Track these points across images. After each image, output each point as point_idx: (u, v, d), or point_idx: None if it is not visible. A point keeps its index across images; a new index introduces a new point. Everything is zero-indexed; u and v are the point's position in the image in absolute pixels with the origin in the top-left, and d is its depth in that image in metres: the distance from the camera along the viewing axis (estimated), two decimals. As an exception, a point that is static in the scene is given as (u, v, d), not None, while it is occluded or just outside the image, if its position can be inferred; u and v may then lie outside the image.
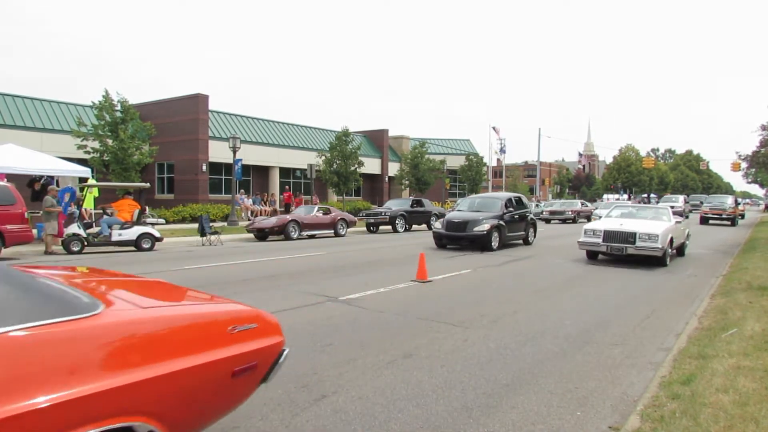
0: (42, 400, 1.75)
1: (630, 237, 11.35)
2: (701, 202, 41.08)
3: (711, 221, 29.03)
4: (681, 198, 38.28)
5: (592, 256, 12.39)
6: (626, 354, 5.08)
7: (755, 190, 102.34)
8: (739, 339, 5.17)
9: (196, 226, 18.40)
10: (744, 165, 33.40)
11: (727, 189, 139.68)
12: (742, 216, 36.23)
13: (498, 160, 55.15)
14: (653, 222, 12.25)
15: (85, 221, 14.24)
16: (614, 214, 13.70)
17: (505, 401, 3.82)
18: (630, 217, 13.29)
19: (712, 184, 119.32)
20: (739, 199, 47.80)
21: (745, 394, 3.73)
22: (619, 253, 11.49)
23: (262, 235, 18.01)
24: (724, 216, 28.72)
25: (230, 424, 3.31)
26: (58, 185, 15.30)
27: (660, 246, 11.01)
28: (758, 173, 37.60)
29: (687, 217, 27.54)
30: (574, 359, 4.87)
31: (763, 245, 15.69)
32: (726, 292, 8.11)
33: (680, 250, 13.52)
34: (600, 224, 12.45)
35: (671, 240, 11.74)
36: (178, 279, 9.26)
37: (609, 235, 11.59)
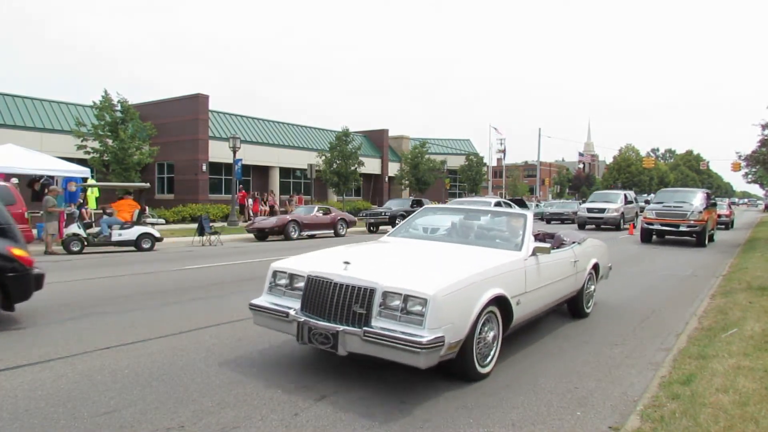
0: None
1: None
2: (647, 201, 29.01)
3: (665, 235, 17.41)
4: (622, 196, 24.81)
5: None
6: (626, 354, 5.08)
7: (755, 190, 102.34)
8: (739, 339, 5.17)
9: (196, 226, 18.41)
10: (744, 165, 31.98)
11: (727, 189, 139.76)
12: (728, 225, 26.91)
13: (498, 160, 55.21)
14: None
15: (85, 221, 14.24)
16: None
17: (505, 401, 3.82)
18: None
19: (712, 184, 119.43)
20: (724, 199, 35.03)
21: (745, 394, 3.73)
22: None
23: (261, 235, 18.01)
24: (684, 228, 16.44)
25: (230, 424, 3.32)
26: (57, 185, 15.30)
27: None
28: (758, 173, 36.93)
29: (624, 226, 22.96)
30: (574, 359, 4.87)
31: (763, 245, 15.69)
32: (726, 292, 8.11)
33: (574, 304, 6.33)
34: None
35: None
36: (178, 279, 9.27)
37: None
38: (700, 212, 16.33)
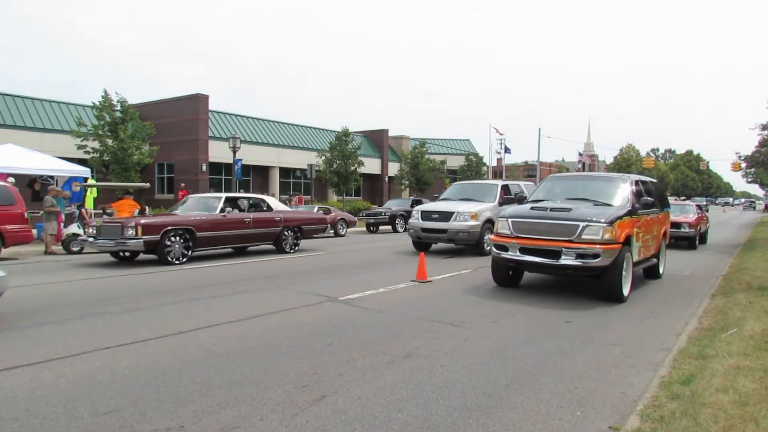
0: None
1: None
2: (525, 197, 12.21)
3: (532, 269, 8.38)
4: (497, 189, 13.99)
5: None
6: (626, 354, 5.08)
7: (755, 190, 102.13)
8: (739, 339, 5.17)
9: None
10: (744, 165, 31.77)
11: (727, 189, 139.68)
12: (696, 240, 16.18)
13: (498, 159, 55.20)
14: None
15: (85, 221, 14.23)
16: None
17: (505, 401, 3.82)
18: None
19: (712, 184, 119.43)
20: (699, 199, 27.07)
21: (745, 394, 3.73)
22: None
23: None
24: (567, 261, 7.31)
25: (230, 424, 3.31)
26: (57, 185, 15.30)
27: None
28: (758, 173, 36.81)
29: None
30: (574, 359, 4.87)
31: (763, 245, 15.70)
32: (726, 292, 8.11)
33: None
34: None
35: None
36: (178, 278, 9.27)
37: None
38: (610, 224, 7.26)
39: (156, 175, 30.65)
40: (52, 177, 15.81)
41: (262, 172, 34.61)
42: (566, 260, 7.25)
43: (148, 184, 17.25)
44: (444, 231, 12.92)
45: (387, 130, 44.03)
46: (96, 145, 22.64)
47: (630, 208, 7.89)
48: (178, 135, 29.08)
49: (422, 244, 13.67)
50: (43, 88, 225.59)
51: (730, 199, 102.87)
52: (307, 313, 6.52)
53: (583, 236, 7.15)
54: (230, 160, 24.17)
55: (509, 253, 7.79)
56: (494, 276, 8.58)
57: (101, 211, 15.30)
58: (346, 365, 4.50)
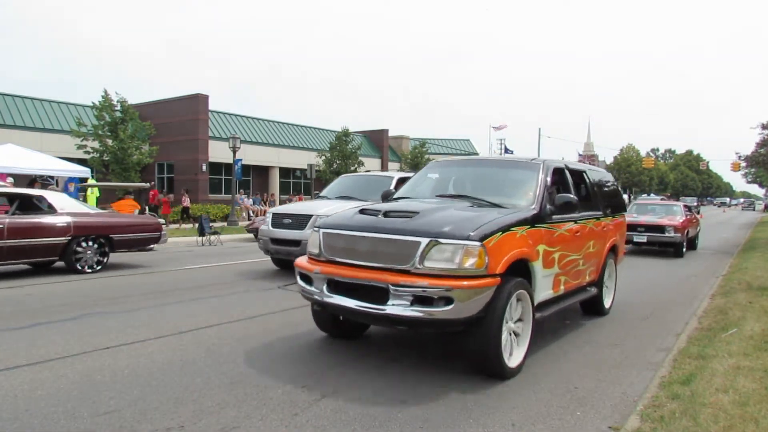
0: None
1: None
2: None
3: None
4: (393, 181, 10.04)
5: None
6: (626, 354, 5.08)
7: (755, 190, 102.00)
8: (739, 339, 5.17)
9: (196, 226, 18.40)
10: (744, 165, 31.63)
11: (727, 189, 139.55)
12: (687, 244, 14.33)
13: (498, 160, 55.10)
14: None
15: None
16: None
17: (505, 401, 3.82)
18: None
19: (712, 184, 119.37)
20: (691, 200, 26.19)
21: (745, 394, 3.73)
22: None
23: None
24: (373, 314, 4.18)
25: (230, 424, 3.31)
26: (57, 185, 15.31)
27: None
28: (758, 173, 36.77)
29: None
30: (574, 359, 4.87)
31: (763, 245, 15.70)
32: (726, 292, 8.11)
33: None
34: None
35: None
36: (178, 278, 9.26)
37: None
38: (479, 240, 4.07)
39: (156, 175, 30.64)
40: (52, 177, 15.80)
41: (262, 172, 34.61)
42: (395, 307, 3.99)
43: (148, 184, 17.25)
44: (297, 243, 8.95)
45: (387, 130, 44.00)
46: (96, 145, 22.62)
47: (536, 212, 4.84)
48: (178, 135, 29.08)
49: (281, 260, 10.07)
50: (43, 88, 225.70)
51: (728, 199, 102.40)
52: (307, 312, 5.69)
53: (427, 262, 4.00)
54: (230, 160, 24.16)
55: (314, 288, 4.53)
56: (315, 320, 5.26)
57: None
58: (347, 365, 4.49)
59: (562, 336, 5.66)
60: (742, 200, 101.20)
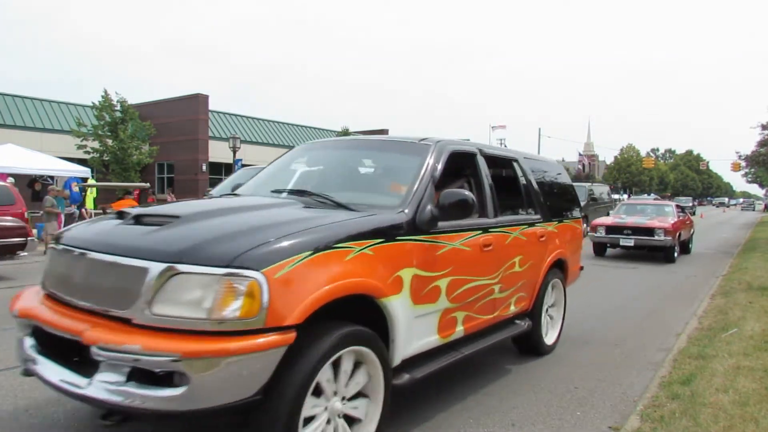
0: None
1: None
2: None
3: None
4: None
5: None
6: (626, 354, 5.08)
7: (755, 189, 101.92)
8: (739, 339, 5.17)
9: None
10: (744, 165, 31.45)
11: (727, 189, 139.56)
12: (680, 248, 13.32)
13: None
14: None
15: (85, 221, 14.23)
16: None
17: (505, 401, 3.82)
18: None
19: (712, 184, 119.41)
20: (685, 200, 26.53)
21: (745, 394, 3.73)
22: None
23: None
24: (74, 394, 2.38)
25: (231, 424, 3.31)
26: (57, 185, 15.31)
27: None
28: (758, 173, 36.71)
29: None
30: (574, 359, 4.87)
31: (763, 245, 15.70)
32: (726, 292, 8.11)
33: None
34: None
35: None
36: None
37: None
38: (259, 267, 2.31)
39: (156, 175, 30.65)
40: (52, 177, 15.82)
41: (262, 172, 34.68)
42: (100, 385, 2.26)
43: (148, 184, 17.27)
44: None
45: (387, 131, 44.02)
46: (96, 145, 22.67)
47: (406, 218, 3.15)
48: (178, 135, 29.08)
49: None
50: (43, 88, 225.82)
51: (726, 199, 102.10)
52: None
53: (158, 305, 2.29)
54: (230, 160, 24.19)
55: (26, 347, 2.73)
56: None
57: (101, 211, 15.30)
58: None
59: (562, 336, 5.65)
60: (741, 200, 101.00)
